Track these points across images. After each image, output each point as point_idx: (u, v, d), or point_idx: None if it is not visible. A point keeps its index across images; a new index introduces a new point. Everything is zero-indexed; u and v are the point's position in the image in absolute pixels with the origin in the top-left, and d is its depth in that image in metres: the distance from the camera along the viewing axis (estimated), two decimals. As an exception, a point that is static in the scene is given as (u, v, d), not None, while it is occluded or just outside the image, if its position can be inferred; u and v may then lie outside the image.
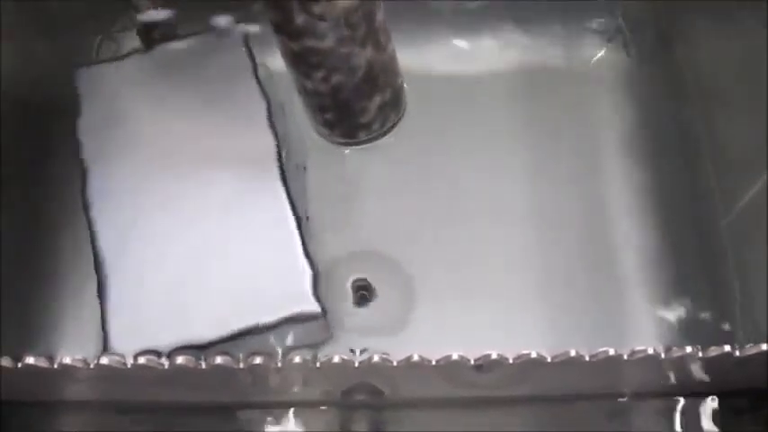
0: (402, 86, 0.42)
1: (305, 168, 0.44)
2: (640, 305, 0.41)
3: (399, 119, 0.43)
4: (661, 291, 0.41)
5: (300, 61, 0.37)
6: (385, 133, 0.42)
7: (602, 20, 0.47)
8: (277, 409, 0.36)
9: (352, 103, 0.39)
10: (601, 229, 0.43)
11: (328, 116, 0.41)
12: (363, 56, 0.36)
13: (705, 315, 0.40)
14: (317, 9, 0.33)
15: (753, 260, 0.39)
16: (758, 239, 0.38)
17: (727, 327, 0.40)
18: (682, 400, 0.35)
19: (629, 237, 0.42)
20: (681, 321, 0.40)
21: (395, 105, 0.42)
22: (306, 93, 0.39)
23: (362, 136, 0.42)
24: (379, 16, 0.36)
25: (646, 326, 0.41)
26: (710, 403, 0.35)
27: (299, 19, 0.34)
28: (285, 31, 0.35)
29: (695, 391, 0.35)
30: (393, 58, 0.39)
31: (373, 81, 0.38)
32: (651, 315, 0.41)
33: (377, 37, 0.36)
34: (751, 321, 0.39)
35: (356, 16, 0.34)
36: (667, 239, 0.42)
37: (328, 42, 0.35)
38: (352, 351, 0.38)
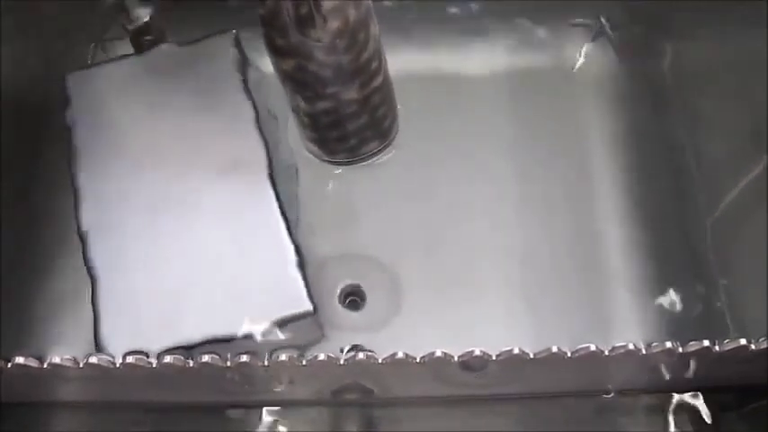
0: (395, 107, 0.42)
1: (296, 170, 0.44)
2: (629, 304, 0.41)
3: (391, 140, 0.43)
4: (648, 289, 0.42)
5: (295, 82, 0.37)
6: (377, 153, 0.42)
7: (587, 20, 0.48)
8: (268, 408, 0.37)
9: (346, 124, 0.39)
10: (589, 230, 0.43)
11: (320, 135, 0.41)
12: (357, 77, 0.37)
13: (692, 312, 0.41)
14: (313, 33, 0.34)
15: (737, 258, 0.39)
16: (742, 238, 0.39)
17: (713, 322, 0.40)
18: (667, 396, 0.35)
19: (617, 236, 0.43)
20: (668, 319, 0.41)
21: (388, 127, 0.42)
22: (299, 112, 0.40)
23: (354, 156, 0.42)
24: (372, 37, 0.36)
25: (635, 324, 0.41)
26: (696, 399, 0.36)
27: (294, 40, 0.34)
28: (279, 51, 0.35)
29: (681, 387, 0.35)
30: (387, 80, 0.39)
31: (366, 101, 0.38)
32: (639, 313, 0.41)
33: (371, 58, 0.37)
34: (737, 317, 0.39)
35: (350, 37, 0.35)
36: (654, 238, 0.43)
37: (322, 63, 0.35)
38: (341, 350, 0.39)
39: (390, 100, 0.41)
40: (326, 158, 0.43)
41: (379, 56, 0.37)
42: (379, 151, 0.43)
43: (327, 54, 0.35)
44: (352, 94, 0.37)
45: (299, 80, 0.37)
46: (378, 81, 0.38)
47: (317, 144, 0.42)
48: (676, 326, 0.40)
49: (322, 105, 0.38)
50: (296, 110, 0.40)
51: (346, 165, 0.43)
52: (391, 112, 0.41)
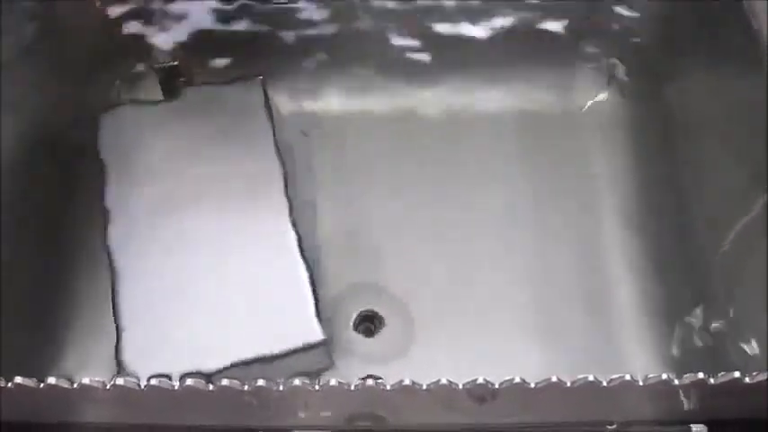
0: None
1: (314, 205, 0.45)
2: (639, 338, 0.43)
3: None
4: (657, 323, 0.43)
5: None
6: None
7: (598, 64, 0.49)
8: (284, 434, 0.38)
9: None
10: (598, 265, 0.44)
11: None
12: None
13: (699, 344, 0.41)
14: None
15: (743, 292, 0.40)
16: (747, 272, 0.39)
17: (719, 355, 0.40)
18: (671, 429, 0.36)
19: (626, 273, 0.44)
20: (676, 352, 0.42)
21: None
22: None
23: None
24: None
25: (645, 357, 0.42)
26: (701, 432, 0.36)
27: None
28: None
29: (685, 420, 0.36)
30: None
31: None
32: (649, 346, 0.42)
33: None
34: (743, 350, 0.40)
35: None
36: (660, 273, 0.44)
37: None
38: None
39: None
40: None
41: None
42: None
43: None
44: None
45: None
46: None
47: None
48: (685, 358, 0.41)
49: None
50: None
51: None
52: None
